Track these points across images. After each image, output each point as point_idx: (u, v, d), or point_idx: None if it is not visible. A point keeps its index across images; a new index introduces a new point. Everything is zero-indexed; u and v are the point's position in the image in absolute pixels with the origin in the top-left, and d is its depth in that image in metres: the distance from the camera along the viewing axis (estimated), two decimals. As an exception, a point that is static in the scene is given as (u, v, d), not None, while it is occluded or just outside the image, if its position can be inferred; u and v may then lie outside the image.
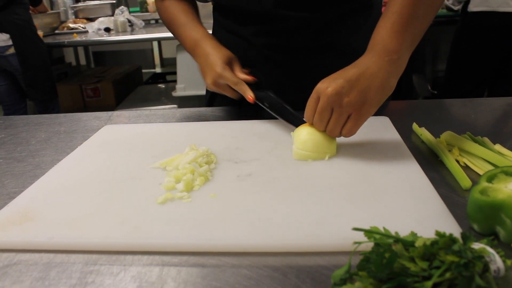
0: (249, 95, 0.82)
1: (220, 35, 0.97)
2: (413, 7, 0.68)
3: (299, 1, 0.85)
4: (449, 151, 0.71)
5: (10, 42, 2.48)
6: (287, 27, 0.88)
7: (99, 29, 3.19)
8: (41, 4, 3.15)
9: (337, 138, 0.71)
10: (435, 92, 3.19)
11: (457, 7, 2.38)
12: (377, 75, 0.65)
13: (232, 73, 0.84)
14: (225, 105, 1.05)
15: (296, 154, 0.69)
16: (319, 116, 0.67)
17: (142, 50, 5.36)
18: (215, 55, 0.85)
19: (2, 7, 2.40)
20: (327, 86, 0.64)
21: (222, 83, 0.84)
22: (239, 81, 0.83)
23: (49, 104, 2.75)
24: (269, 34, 0.90)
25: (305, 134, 0.69)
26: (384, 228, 0.44)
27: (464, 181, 0.61)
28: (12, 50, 2.49)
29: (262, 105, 0.83)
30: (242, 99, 0.85)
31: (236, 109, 1.01)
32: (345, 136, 0.68)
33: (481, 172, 0.64)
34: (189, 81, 2.70)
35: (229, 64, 0.85)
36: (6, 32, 2.45)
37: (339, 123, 0.66)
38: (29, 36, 2.56)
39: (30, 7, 2.91)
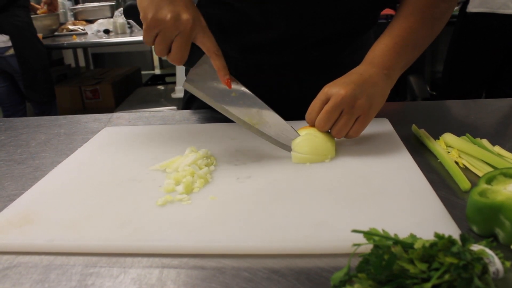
0: (228, 77, 0.69)
1: None
2: (416, 35, 0.74)
3: (310, 21, 0.81)
4: (448, 152, 0.71)
5: (10, 43, 2.49)
6: (276, 40, 0.84)
7: (99, 31, 3.20)
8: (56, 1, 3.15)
9: (336, 140, 0.72)
10: (434, 93, 3.20)
11: None
12: (378, 84, 0.70)
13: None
14: (203, 108, 1.03)
15: (295, 157, 0.69)
16: (327, 115, 0.68)
17: (141, 52, 5.35)
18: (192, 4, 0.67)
19: (2, 9, 2.41)
20: (339, 89, 0.67)
21: (182, 31, 0.64)
22: (220, 53, 0.69)
23: (46, 106, 2.76)
24: (257, 49, 0.86)
25: (303, 137, 0.69)
26: (383, 230, 0.44)
27: (463, 183, 0.61)
28: (11, 51, 2.51)
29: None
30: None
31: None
32: (351, 137, 0.70)
33: (480, 174, 0.64)
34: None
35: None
36: (6, 34, 2.46)
37: (348, 124, 0.69)
38: (29, 38, 2.57)
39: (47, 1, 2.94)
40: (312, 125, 0.70)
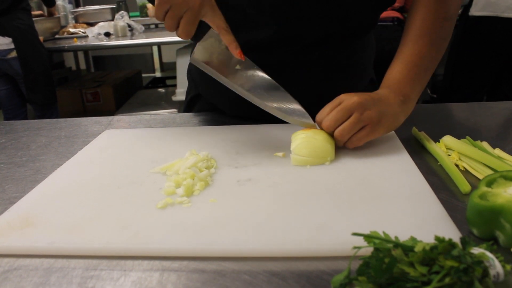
0: (239, 50, 0.71)
1: None
2: (427, 59, 0.77)
3: (305, 19, 0.81)
4: (449, 155, 0.71)
5: (12, 46, 2.51)
6: (274, 39, 0.84)
7: (99, 34, 3.20)
8: (54, 6, 3.22)
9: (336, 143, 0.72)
10: (434, 95, 3.20)
11: None
12: (392, 106, 0.73)
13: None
14: (205, 110, 1.03)
15: (294, 159, 0.69)
16: (335, 116, 0.70)
17: (142, 55, 5.37)
18: None
19: (5, 12, 2.42)
20: (353, 96, 0.70)
21: (191, 7, 0.66)
22: (229, 28, 0.71)
23: (48, 108, 2.77)
24: (255, 48, 0.84)
25: (302, 139, 0.69)
26: (383, 232, 0.44)
27: (464, 185, 0.61)
28: (14, 54, 2.53)
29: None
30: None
31: (238, 113, 1.01)
32: (351, 144, 0.72)
33: (480, 177, 0.64)
34: (189, 85, 2.71)
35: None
36: (9, 36, 2.48)
37: (353, 129, 0.70)
38: (31, 41, 2.59)
39: (45, 8, 3.01)
40: (320, 125, 0.72)
